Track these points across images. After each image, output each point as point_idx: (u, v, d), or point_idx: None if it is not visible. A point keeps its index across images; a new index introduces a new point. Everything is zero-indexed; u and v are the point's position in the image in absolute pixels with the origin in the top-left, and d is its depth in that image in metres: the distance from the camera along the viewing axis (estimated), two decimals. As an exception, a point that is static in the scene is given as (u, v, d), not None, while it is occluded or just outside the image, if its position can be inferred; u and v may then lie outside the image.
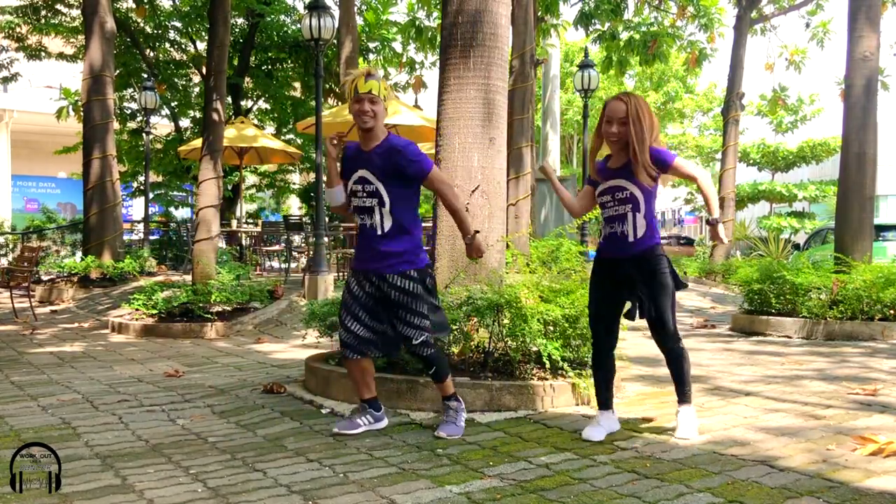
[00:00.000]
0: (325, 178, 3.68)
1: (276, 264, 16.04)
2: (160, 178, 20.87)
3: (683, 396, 3.71)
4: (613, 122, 3.54)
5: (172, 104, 19.80)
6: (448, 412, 3.74)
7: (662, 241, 3.74)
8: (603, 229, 3.72)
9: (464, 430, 3.72)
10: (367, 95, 3.49)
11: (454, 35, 5.26)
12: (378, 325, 3.67)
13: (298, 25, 18.45)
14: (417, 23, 15.41)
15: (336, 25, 12.10)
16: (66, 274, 12.05)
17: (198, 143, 13.09)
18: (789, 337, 7.40)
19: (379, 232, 3.58)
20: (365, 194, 3.59)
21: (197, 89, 20.02)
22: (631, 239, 3.58)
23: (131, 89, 19.47)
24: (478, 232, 3.72)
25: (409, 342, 3.62)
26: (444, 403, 3.79)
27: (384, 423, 3.87)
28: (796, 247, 18.33)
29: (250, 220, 20.32)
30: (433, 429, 3.76)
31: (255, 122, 20.02)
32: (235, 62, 18.54)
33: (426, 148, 14.57)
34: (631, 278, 3.60)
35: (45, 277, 12.47)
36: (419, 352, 3.64)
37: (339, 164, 3.68)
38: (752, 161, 25.73)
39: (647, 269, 3.57)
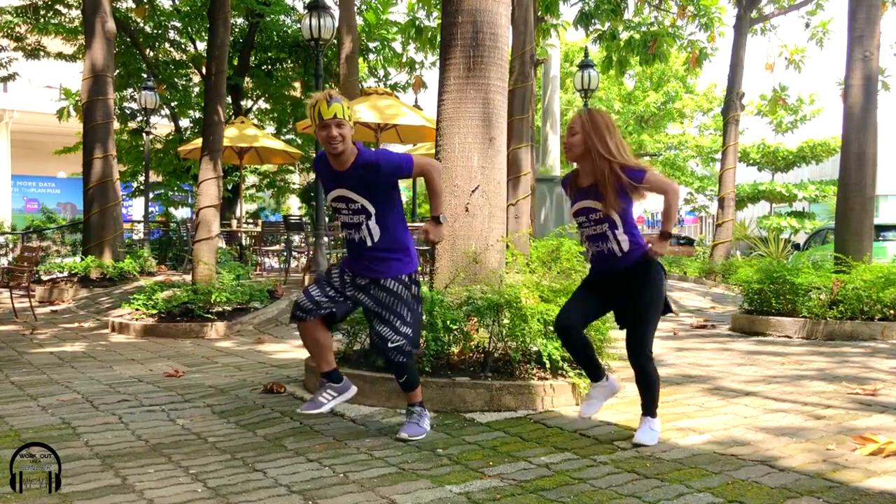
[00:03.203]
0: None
1: (275, 264, 16.04)
2: (160, 178, 20.88)
3: (648, 409, 3.58)
4: (566, 134, 3.52)
5: (172, 104, 19.79)
6: (412, 415, 3.71)
7: None
8: (588, 248, 3.61)
9: (427, 432, 3.67)
10: (332, 121, 3.44)
11: (454, 35, 5.26)
12: (340, 299, 3.64)
13: (298, 25, 18.45)
14: (417, 23, 15.41)
15: (336, 25, 12.10)
16: (66, 274, 12.05)
17: (198, 143, 13.10)
18: (789, 337, 7.40)
19: (369, 243, 3.58)
20: (350, 212, 3.58)
21: (197, 89, 20.02)
22: (619, 254, 3.50)
23: (131, 89, 19.47)
24: (440, 223, 3.68)
25: (385, 342, 3.55)
26: (408, 408, 3.75)
27: (351, 391, 3.82)
28: (796, 247, 18.33)
29: (250, 221, 20.32)
30: (395, 431, 3.72)
31: (255, 122, 20.03)
32: (235, 62, 18.54)
33: (426, 148, 14.67)
34: (623, 290, 3.52)
35: (45, 277, 12.47)
36: (392, 356, 3.56)
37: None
38: (752, 161, 25.73)
39: (641, 278, 3.49)
